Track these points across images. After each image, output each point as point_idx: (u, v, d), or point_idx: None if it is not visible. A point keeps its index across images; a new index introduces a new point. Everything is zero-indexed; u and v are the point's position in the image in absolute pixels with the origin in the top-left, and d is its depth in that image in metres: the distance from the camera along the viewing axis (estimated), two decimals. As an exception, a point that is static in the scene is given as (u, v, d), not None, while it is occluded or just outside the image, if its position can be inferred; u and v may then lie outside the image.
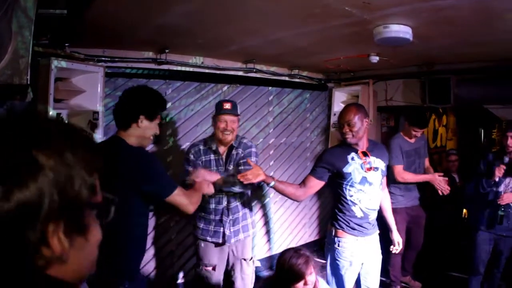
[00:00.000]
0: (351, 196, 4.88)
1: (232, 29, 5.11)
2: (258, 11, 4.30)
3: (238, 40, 5.77)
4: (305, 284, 4.06)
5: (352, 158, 4.87)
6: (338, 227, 4.96)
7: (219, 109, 5.50)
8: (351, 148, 4.92)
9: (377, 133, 9.05)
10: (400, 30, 4.70)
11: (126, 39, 5.51)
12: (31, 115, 1.23)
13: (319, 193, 9.65)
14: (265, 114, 8.41)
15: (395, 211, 6.55)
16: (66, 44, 5.34)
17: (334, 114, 8.82)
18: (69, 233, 1.13)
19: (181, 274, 7.28)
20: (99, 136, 5.48)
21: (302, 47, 6.10)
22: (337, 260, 4.94)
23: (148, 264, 6.80)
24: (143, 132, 4.02)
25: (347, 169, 4.85)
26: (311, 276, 4.10)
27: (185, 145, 7.13)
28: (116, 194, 3.42)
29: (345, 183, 4.87)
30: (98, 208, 1.27)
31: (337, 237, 4.96)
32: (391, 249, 5.51)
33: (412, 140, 7.10)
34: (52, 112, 4.79)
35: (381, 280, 5.39)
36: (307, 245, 9.33)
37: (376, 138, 8.71)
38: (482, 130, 9.10)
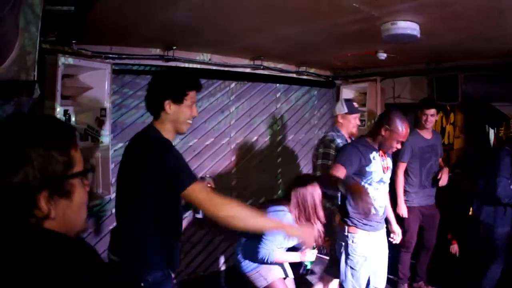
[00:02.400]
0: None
1: (239, 25, 5.09)
2: (265, 7, 4.28)
3: (245, 36, 5.76)
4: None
5: (374, 158, 4.92)
6: (351, 223, 4.99)
7: (352, 108, 6.33)
8: (372, 147, 4.99)
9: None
10: (408, 27, 4.68)
11: (133, 36, 5.51)
12: (20, 117, 1.81)
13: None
14: (273, 111, 8.43)
15: (408, 210, 6.62)
16: (73, 41, 5.34)
17: (342, 111, 8.84)
18: (52, 198, 1.65)
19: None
20: (106, 133, 5.49)
21: (309, 44, 6.08)
22: (352, 256, 4.97)
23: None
24: (174, 118, 3.80)
25: (370, 168, 4.89)
26: None
27: (192, 142, 7.16)
28: (130, 183, 3.28)
29: (364, 181, 4.89)
30: (77, 176, 1.75)
31: (350, 233, 5.01)
32: (390, 239, 5.57)
33: (429, 136, 7.04)
34: (59, 109, 4.79)
35: (388, 278, 5.39)
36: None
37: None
38: (490, 128, 9.06)
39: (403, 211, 6.69)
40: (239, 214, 3.46)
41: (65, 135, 1.77)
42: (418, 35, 4.78)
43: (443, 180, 6.84)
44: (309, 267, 5.20)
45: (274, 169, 8.58)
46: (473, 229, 6.48)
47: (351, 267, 5.00)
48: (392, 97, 8.85)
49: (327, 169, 5.42)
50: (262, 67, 7.72)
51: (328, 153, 6.07)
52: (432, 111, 6.94)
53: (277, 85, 8.57)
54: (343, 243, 5.09)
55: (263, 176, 8.30)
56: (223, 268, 7.89)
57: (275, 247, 4.99)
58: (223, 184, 7.75)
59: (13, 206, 1.59)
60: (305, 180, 5.46)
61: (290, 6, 4.26)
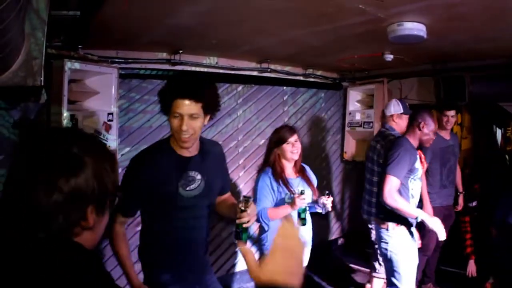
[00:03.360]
0: (412, 189, 5.23)
1: (245, 28, 5.09)
2: (270, 10, 4.27)
3: (251, 40, 5.76)
4: (293, 146, 5.24)
5: (417, 155, 5.32)
6: (397, 221, 5.23)
7: (407, 108, 6.68)
8: (414, 146, 5.35)
9: (393, 131, 9.01)
10: (414, 28, 4.67)
11: (139, 40, 5.50)
12: (75, 128, 2.08)
13: (346, 190, 9.64)
14: (280, 114, 8.44)
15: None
16: (79, 46, 5.35)
17: (349, 113, 8.85)
18: (97, 213, 1.72)
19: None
20: (113, 137, 5.50)
21: (315, 46, 6.07)
22: (400, 252, 5.24)
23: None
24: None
25: (417, 164, 5.27)
26: (297, 143, 5.29)
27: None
28: None
29: (411, 176, 5.22)
30: (113, 197, 1.83)
31: (394, 230, 5.29)
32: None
33: (448, 137, 7.14)
34: (66, 114, 4.79)
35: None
36: (332, 242, 9.38)
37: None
38: (497, 128, 9.05)
39: (430, 211, 6.64)
40: (119, 245, 3.73)
41: (113, 156, 1.91)
42: (425, 36, 4.77)
43: (460, 206, 7.31)
44: (303, 215, 4.99)
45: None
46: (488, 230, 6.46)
47: (398, 262, 5.24)
48: (399, 98, 8.80)
49: None
50: (269, 70, 7.71)
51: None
52: (453, 112, 7.05)
53: (284, 87, 8.55)
54: (387, 242, 5.33)
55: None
56: (232, 271, 7.92)
57: (265, 206, 5.04)
58: (231, 187, 7.77)
59: (64, 212, 1.62)
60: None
61: (296, 9, 4.25)
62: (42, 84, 3.45)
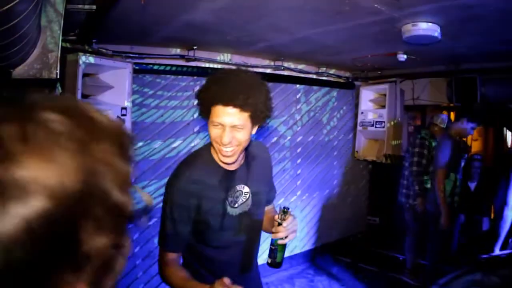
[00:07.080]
0: None
1: (260, 26, 5.09)
2: (286, 8, 4.29)
3: (266, 37, 5.77)
4: None
5: None
6: None
7: None
8: None
9: (404, 132, 9.00)
10: (429, 28, 4.67)
11: (154, 35, 5.52)
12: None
13: (359, 189, 9.63)
14: (293, 112, 8.42)
15: None
16: (94, 41, 5.38)
17: (362, 113, 8.85)
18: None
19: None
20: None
21: (330, 45, 6.08)
22: None
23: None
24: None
25: None
26: None
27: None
28: None
29: None
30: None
31: None
32: None
33: None
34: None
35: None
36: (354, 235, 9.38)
37: (403, 137, 8.72)
38: (507, 130, 9.09)
39: None
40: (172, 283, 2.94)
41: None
42: (439, 37, 4.77)
43: None
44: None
45: (294, 170, 8.56)
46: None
47: None
48: (411, 98, 8.85)
49: None
50: (282, 67, 7.74)
51: None
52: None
53: (297, 86, 8.51)
54: None
55: (283, 177, 8.32)
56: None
57: None
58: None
59: None
60: None
61: (312, 7, 4.26)
62: (58, 76, 3.47)
